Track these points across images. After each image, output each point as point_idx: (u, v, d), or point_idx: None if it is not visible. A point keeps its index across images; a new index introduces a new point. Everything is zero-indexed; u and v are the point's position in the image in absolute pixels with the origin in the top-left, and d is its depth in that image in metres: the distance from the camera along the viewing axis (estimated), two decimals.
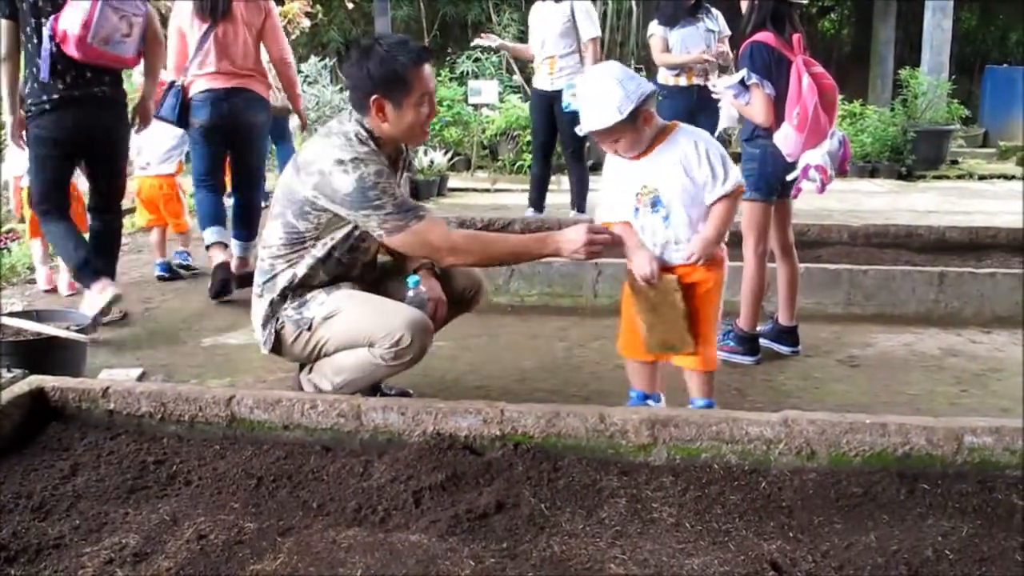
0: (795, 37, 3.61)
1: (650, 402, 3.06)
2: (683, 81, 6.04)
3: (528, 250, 2.85)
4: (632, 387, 3.11)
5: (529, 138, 9.72)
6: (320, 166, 2.77)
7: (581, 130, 2.80)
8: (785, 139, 3.55)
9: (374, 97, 2.74)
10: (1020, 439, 2.46)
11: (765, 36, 3.61)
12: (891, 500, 2.33)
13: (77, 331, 3.49)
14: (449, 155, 9.06)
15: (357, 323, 2.79)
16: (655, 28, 6.15)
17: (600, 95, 2.72)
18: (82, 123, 4.10)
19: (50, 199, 4.17)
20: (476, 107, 9.98)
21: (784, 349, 3.96)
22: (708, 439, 2.51)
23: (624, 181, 2.89)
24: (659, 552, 2.09)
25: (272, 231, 2.91)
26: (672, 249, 2.85)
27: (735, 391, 3.51)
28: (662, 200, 2.81)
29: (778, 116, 3.59)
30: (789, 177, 3.62)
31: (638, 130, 2.76)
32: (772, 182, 3.72)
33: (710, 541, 2.15)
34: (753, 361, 3.85)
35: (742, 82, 3.64)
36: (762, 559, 2.05)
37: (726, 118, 4.02)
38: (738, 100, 3.70)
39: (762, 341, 3.95)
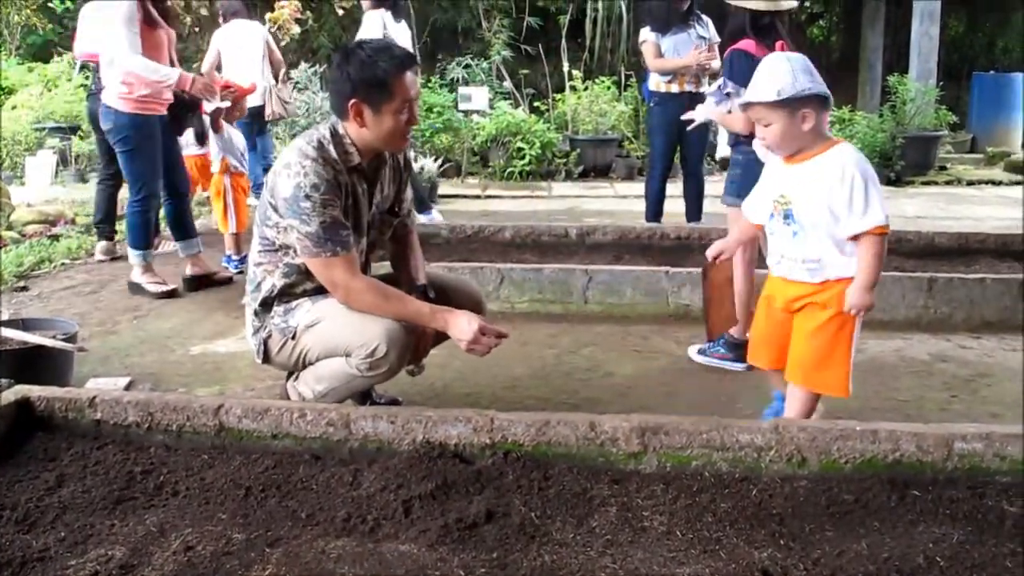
0: (779, 44, 3.61)
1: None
2: (675, 88, 6.04)
3: (422, 319, 2.80)
4: (776, 390, 3.12)
5: (520, 144, 9.77)
6: (274, 167, 2.80)
7: (742, 101, 2.75)
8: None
9: (352, 102, 2.72)
10: (1010, 445, 2.46)
11: (746, 44, 3.63)
12: (882, 507, 2.33)
13: (64, 340, 3.47)
14: (439, 162, 9.05)
15: (337, 332, 2.78)
16: (647, 34, 6.15)
17: (769, 73, 2.64)
18: None
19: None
20: (466, 113, 9.97)
21: None
22: (699, 447, 2.50)
23: (770, 183, 2.83)
24: (650, 561, 2.08)
25: (253, 239, 2.92)
26: (800, 266, 2.74)
27: (725, 398, 3.51)
28: (793, 215, 2.70)
29: None
30: None
31: (792, 126, 2.63)
32: (752, 189, 3.71)
33: (701, 549, 2.14)
34: (744, 368, 3.85)
35: (722, 90, 3.65)
36: (753, 567, 2.04)
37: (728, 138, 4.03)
38: (719, 108, 3.71)
39: (703, 356, 3.97)
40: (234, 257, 5.62)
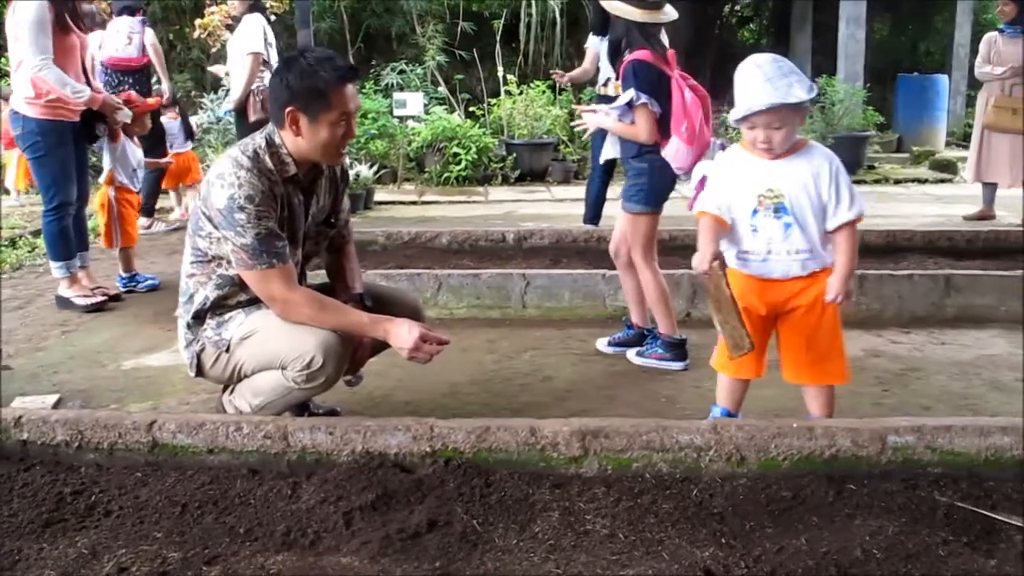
0: (669, 53, 3.72)
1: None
2: (611, 90, 6.06)
3: (362, 329, 2.79)
4: (716, 403, 3.05)
5: (456, 150, 9.76)
6: (207, 177, 2.75)
7: (761, 104, 2.59)
8: (676, 153, 3.64)
9: (289, 109, 2.68)
10: (940, 437, 2.52)
11: (643, 54, 3.67)
12: (820, 502, 2.37)
13: None
14: (375, 168, 8.98)
15: (271, 344, 2.74)
16: (590, 39, 6.19)
17: (794, 72, 2.61)
18: None
19: None
20: (402, 119, 9.93)
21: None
22: (639, 448, 2.52)
23: (746, 179, 2.75)
24: (593, 564, 2.09)
25: (185, 250, 2.86)
26: (789, 259, 2.75)
27: (664, 399, 3.53)
28: (786, 208, 2.70)
29: (662, 131, 3.69)
30: (687, 190, 3.69)
31: (796, 124, 2.68)
32: (661, 195, 3.84)
33: (644, 551, 2.16)
34: (683, 366, 3.89)
35: (629, 103, 3.70)
36: (696, 567, 2.06)
37: (611, 149, 4.06)
38: (622, 121, 3.77)
39: (613, 348, 4.05)
40: (123, 275, 5.38)
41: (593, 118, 4.00)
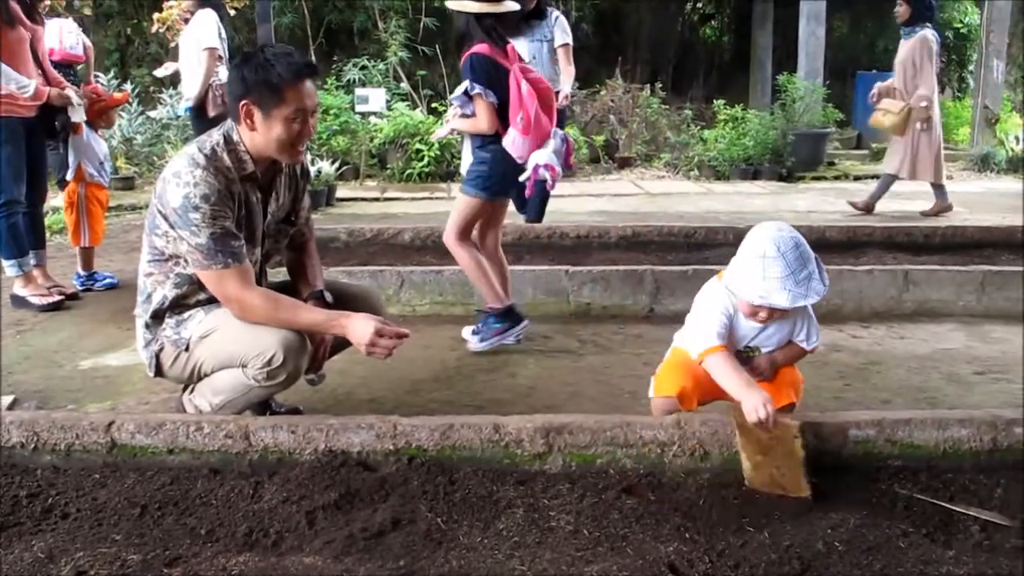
0: (509, 47, 3.83)
1: None
2: None
3: (319, 327, 2.77)
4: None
5: (418, 146, 9.71)
6: (163, 174, 2.72)
7: (784, 304, 2.47)
8: (513, 143, 3.76)
9: (243, 102, 2.66)
10: (900, 430, 2.55)
11: (482, 47, 3.77)
12: (782, 496, 2.38)
13: None
14: (337, 164, 8.93)
15: (231, 342, 2.71)
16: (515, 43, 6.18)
17: (809, 258, 2.51)
18: None
19: None
20: (364, 115, 9.88)
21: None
22: (603, 444, 2.52)
23: (732, 335, 2.67)
24: (558, 561, 2.08)
25: (143, 248, 2.82)
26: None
27: (628, 394, 3.54)
28: (758, 356, 2.74)
29: (504, 122, 3.79)
30: (522, 178, 3.82)
31: None
32: (501, 183, 3.95)
33: (608, 547, 2.16)
34: (523, 327, 4.04)
35: (466, 93, 3.79)
36: (660, 562, 2.06)
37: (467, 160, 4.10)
38: (463, 112, 3.87)
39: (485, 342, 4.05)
40: (82, 273, 5.30)
41: (446, 125, 4.12)
